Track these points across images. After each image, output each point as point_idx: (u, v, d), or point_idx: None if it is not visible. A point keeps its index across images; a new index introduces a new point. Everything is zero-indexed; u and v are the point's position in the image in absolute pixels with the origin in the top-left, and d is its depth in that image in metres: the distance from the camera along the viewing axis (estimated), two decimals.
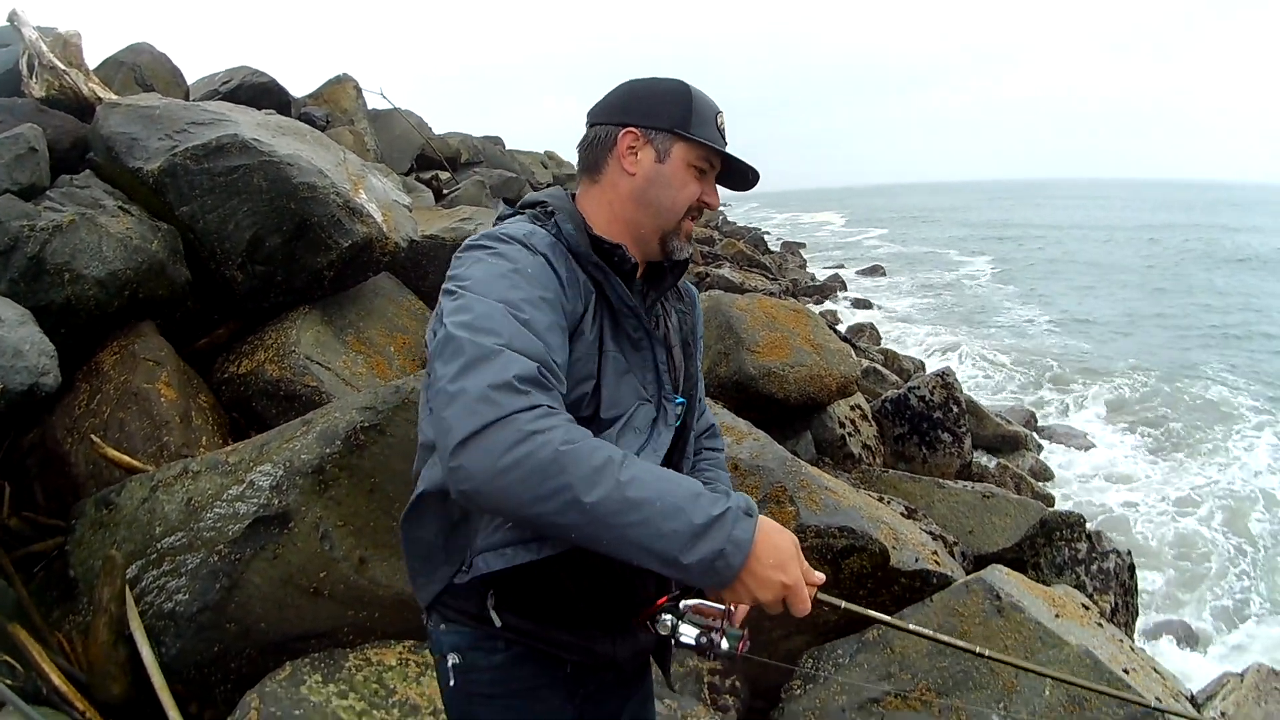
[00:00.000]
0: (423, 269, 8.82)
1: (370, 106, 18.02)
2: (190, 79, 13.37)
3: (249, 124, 7.41)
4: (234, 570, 4.25)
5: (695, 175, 2.40)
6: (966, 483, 8.86)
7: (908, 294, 37.64)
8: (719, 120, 2.41)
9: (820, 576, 2.05)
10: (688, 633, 2.17)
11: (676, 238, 2.45)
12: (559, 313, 2.11)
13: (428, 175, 17.50)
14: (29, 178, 6.38)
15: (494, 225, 2.39)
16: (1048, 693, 4.56)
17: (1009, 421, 13.90)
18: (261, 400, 6.49)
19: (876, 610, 5.21)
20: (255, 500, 4.40)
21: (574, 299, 2.21)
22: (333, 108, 16.16)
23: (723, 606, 2.18)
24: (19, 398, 4.70)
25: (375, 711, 3.94)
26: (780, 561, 1.89)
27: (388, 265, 7.93)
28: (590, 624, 2.36)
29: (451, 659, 2.33)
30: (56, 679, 4.04)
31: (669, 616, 2.20)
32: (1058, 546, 7.90)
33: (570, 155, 31.42)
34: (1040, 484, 12.11)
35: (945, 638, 2.31)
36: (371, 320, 7.73)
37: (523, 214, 2.43)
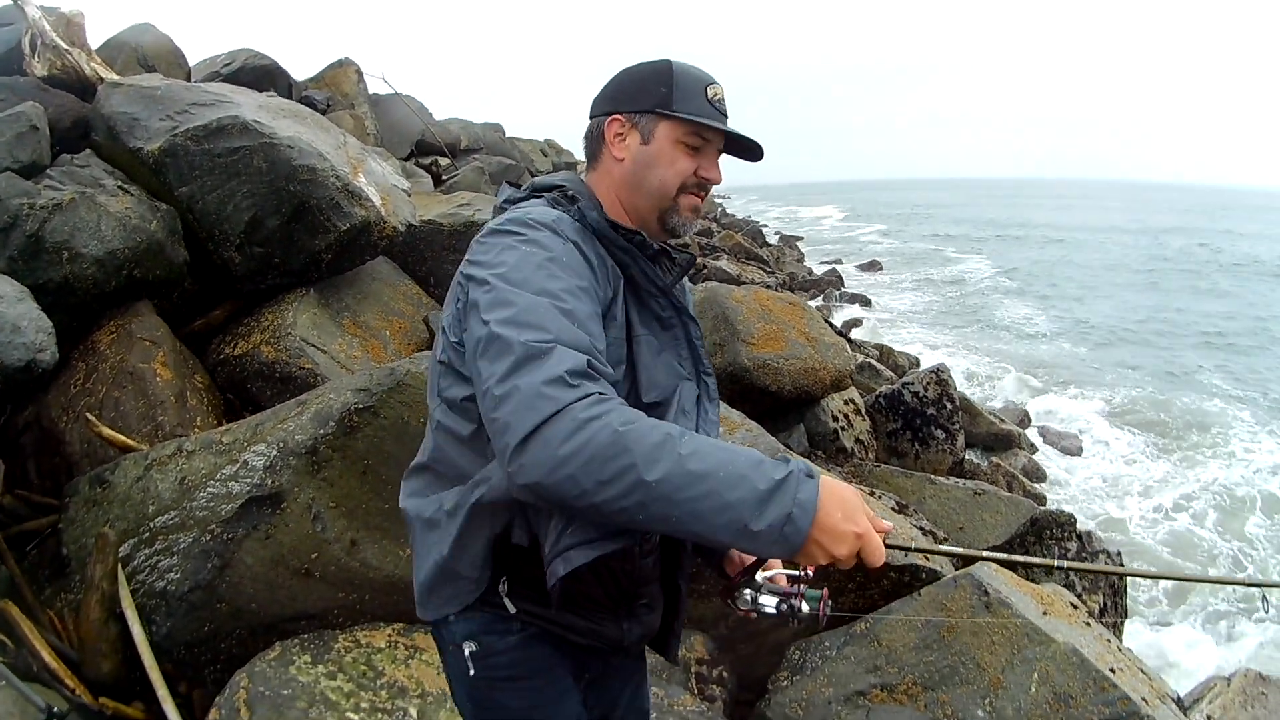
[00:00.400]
0: (420, 254, 8.85)
1: (371, 91, 18.00)
2: (192, 60, 13.37)
3: (250, 106, 7.43)
4: (226, 550, 4.26)
5: (686, 151, 2.36)
6: (958, 479, 8.86)
7: (905, 290, 37.63)
8: (709, 92, 2.37)
9: (889, 525, 1.99)
10: (768, 603, 2.20)
11: (676, 214, 2.41)
12: (595, 301, 2.09)
13: (427, 161, 17.52)
14: (30, 156, 6.40)
15: (501, 208, 2.39)
16: (1033, 689, 4.58)
17: (1003, 420, 13.94)
18: (257, 382, 6.52)
19: (865, 605, 5.24)
20: (249, 480, 4.41)
21: (605, 285, 2.20)
22: (334, 91, 16.15)
23: (798, 571, 2.22)
24: (16, 374, 4.73)
25: (363, 693, 3.96)
26: (849, 513, 1.85)
27: (385, 249, 7.96)
28: (599, 608, 2.36)
29: (468, 647, 2.30)
30: (47, 656, 4.05)
31: (747, 590, 2.22)
32: (1048, 545, 7.92)
33: (569, 144, 31.35)
34: (1032, 483, 12.12)
35: (1025, 558, 2.30)
36: (368, 304, 7.76)
37: (539, 197, 2.38)
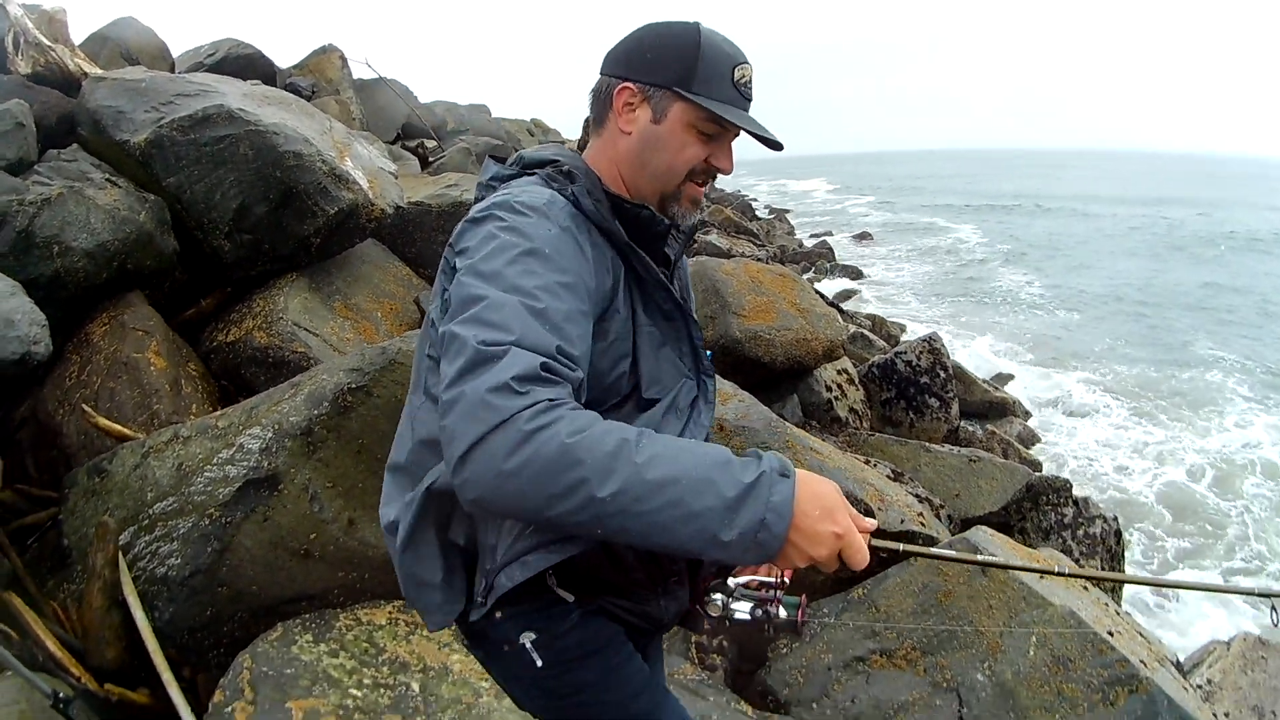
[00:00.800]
0: (409, 235, 8.86)
1: (356, 76, 17.92)
2: (175, 52, 13.36)
3: (235, 94, 7.44)
4: (225, 534, 4.29)
5: (699, 137, 2.14)
6: (953, 447, 8.89)
7: (897, 261, 37.64)
8: (736, 74, 2.13)
9: (871, 522, 1.84)
10: (741, 609, 2.10)
11: (677, 203, 2.22)
12: (581, 297, 1.91)
13: (413, 144, 17.44)
14: (16, 153, 6.41)
15: (489, 185, 2.24)
16: (1032, 653, 4.60)
17: (997, 388, 13.94)
18: (250, 367, 6.52)
19: (861, 574, 5.27)
20: (245, 463, 4.43)
21: (601, 275, 2.02)
22: (318, 78, 16.05)
23: (772, 579, 2.12)
24: (11, 367, 4.73)
25: (365, 669, 3.98)
26: (827, 510, 1.71)
27: (374, 232, 7.97)
28: (641, 589, 2.26)
29: (527, 639, 2.14)
30: (52, 645, 4.07)
31: (718, 596, 2.12)
32: (1044, 510, 7.95)
33: (556, 122, 31.12)
34: (1028, 450, 12.14)
35: (1021, 563, 2.25)
36: (358, 287, 7.78)
37: (531, 174, 2.18)
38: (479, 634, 2.22)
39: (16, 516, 5.08)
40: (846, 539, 1.73)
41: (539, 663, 2.15)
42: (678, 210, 2.23)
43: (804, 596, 2.11)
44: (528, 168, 2.21)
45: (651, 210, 2.17)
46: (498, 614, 2.13)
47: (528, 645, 2.14)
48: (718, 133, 2.15)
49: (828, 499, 1.73)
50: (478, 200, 2.20)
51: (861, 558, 1.75)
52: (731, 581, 2.13)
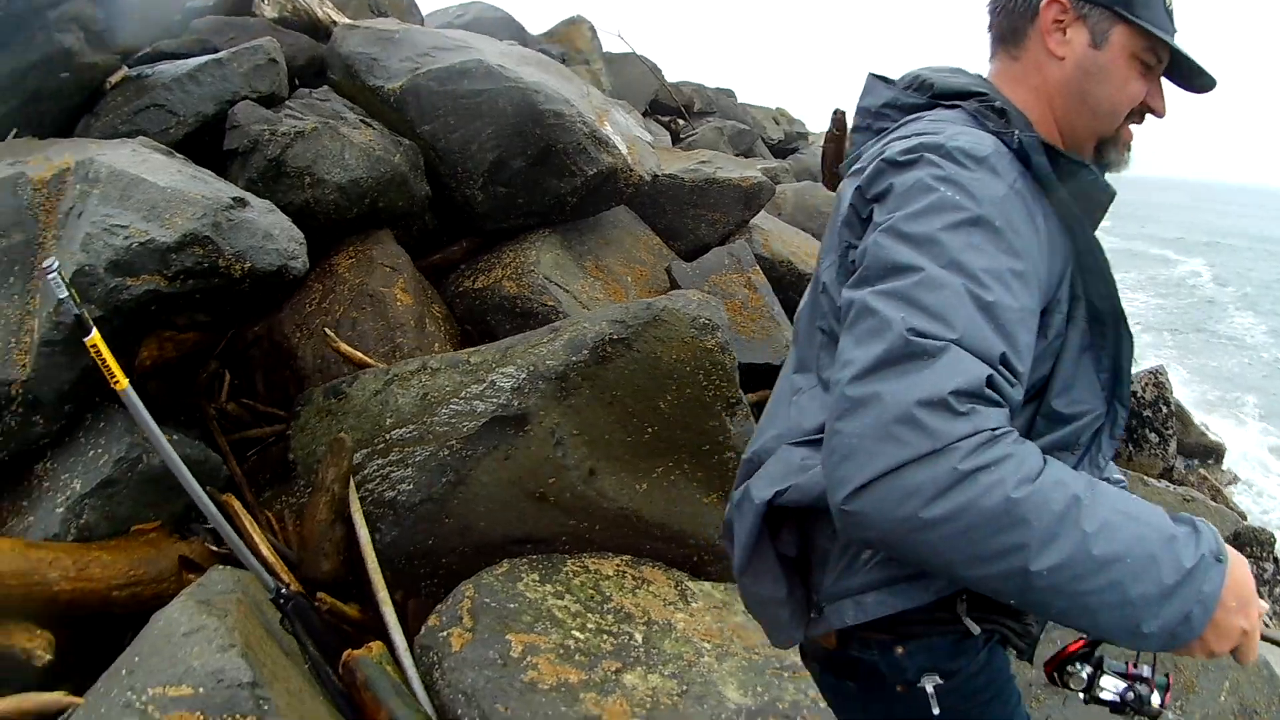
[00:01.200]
0: (660, 206, 8.79)
1: (605, 49, 17.97)
2: (425, 10, 13.59)
3: (492, 52, 7.56)
4: (463, 466, 4.36)
5: (1141, 71, 1.79)
6: (1169, 484, 8.66)
7: (1127, 290, 36.61)
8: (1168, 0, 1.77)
9: (1265, 607, 1.56)
10: (1110, 687, 1.78)
11: (1115, 147, 1.86)
12: (1033, 289, 1.54)
13: (665, 119, 17.59)
14: (269, 87, 6.58)
15: (880, 112, 1.91)
16: (1223, 697, 4.51)
17: (1212, 432, 13.52)
18: (496, 315, 6.57)
19: None
20: (495, 400, 4.49)
21: (1053, 256, 1.64)
22: (568, 47, 16.10)
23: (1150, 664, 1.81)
24: (270, 277, 4.78)
25: (590, 614, 4.01)
26: (1243, 603, 1.47)
27: (628, 199, 7.97)
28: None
29: (929, 684, 1.77)
30: (265, 550, 4.23)
31: (1084, 666, 1.80)
32: None
33: (800, 114, 30.16)
34: (1234, 496, 11.78)
35: None
36: (610, 250, 7.79)
37: (950, 107, 1.81)
38: (859, 665, 1.85)
39: (240, 429, 5.32)
40: (1250, 637, 1.50)
41: (935, 710, 1.78)
42: (1115, 156, 1.87)
43: (1170, 677, 1.79)
44: (940, 96, 1.84)
45: (1094, 171, 1.76)
46: (898, 649, 1.78)
47: (929, 690, 1.78)
48: (1155, 65, 1.80)
49: (1246, 589, 1.48)
50: (861, 129, 1.94)
51: (1254, 656, 1.58)
52: (1099, 652, 1.81)
